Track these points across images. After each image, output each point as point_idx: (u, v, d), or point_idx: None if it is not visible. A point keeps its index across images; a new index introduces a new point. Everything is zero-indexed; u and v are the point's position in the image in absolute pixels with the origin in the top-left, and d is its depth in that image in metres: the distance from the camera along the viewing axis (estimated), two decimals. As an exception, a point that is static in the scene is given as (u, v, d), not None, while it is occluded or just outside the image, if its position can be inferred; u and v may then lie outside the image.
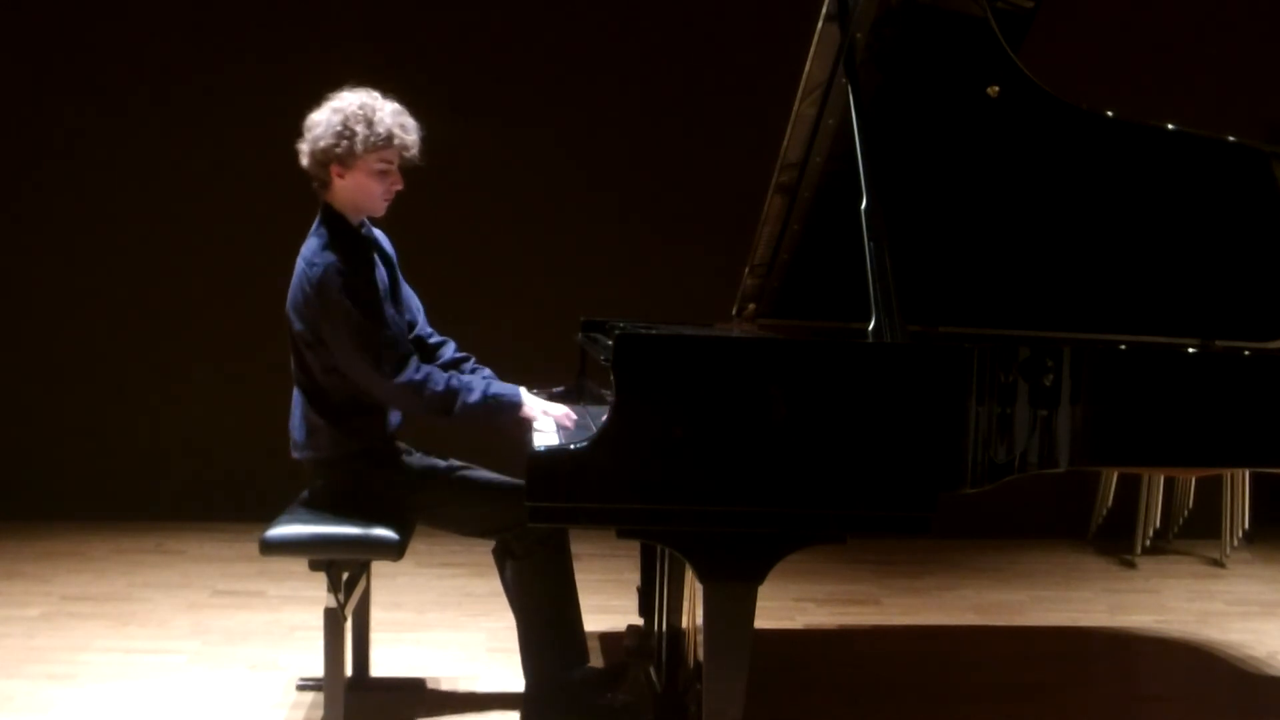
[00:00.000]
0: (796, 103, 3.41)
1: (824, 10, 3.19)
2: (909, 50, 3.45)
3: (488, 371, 3.64)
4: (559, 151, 6.05)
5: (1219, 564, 5.79)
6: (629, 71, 6.18)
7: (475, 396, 3.32)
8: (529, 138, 6.09)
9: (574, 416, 3.43)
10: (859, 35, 3.21)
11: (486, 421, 3.35)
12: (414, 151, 3.40)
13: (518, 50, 6.15)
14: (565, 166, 6.08)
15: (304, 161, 3.39)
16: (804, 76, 3.34)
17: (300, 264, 3.37)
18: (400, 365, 3.29)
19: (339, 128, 3.29)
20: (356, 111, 3.30)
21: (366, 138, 3.29)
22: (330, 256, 3.30)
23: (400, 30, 6.09)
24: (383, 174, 3.36)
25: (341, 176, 3.36)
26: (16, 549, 5.45)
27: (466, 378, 3.40)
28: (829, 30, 3.22)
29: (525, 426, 3.34)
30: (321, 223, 3.41)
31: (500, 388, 3.39)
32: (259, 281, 6.03)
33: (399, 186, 3.42)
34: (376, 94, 3.36)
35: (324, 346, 3.34)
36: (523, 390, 3.42)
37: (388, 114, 3.33)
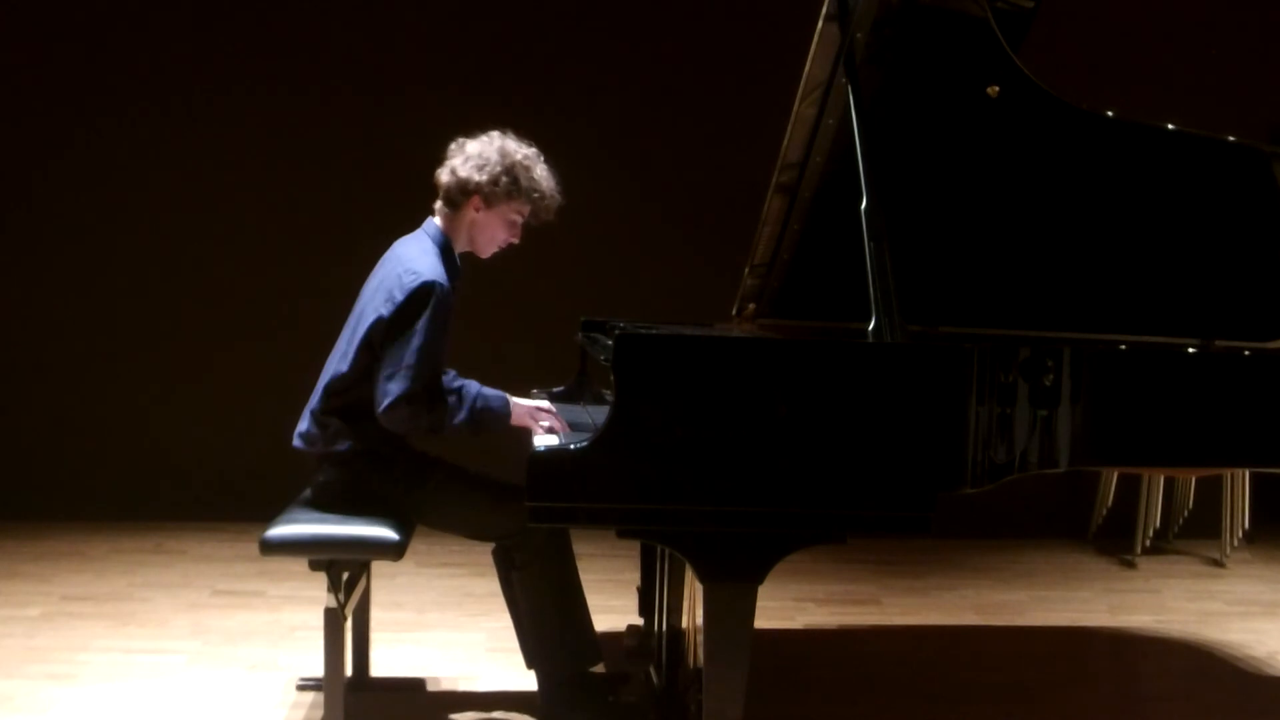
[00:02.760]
0: (796, 103, 3.41)
1: (824, 10, 3.19)
2: (909, 50, 3.45)
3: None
4: (558, 152, 6.01)
5: (1219, 564, 5.79)
6: (629, 72, 6.18)
7: (462, 416, 3.29)
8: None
9: (560, 423, 3.41)
10: (859, 35, 3.22)
11: (474, 434, 3.34)
12: (549, 219, 3.49)
13: (517, 51, 6.15)
14: (564, 167, 6.05)
15: (445, 178, 3.43)
16: (804, 76, 3.34)
17: (399, 267, 3.35)
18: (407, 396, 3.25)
19: (500, 169, 3.38)
20: (521, 161, 3.41)
21: (523, 187, 3.40)
22: (439, 275, 3.31)
23: (400, 30, 6.09)
24: (512, 224, 3.46)
25: (478, 210, 3.42)
26: (16, 549, 5.45)
27: (453, 395, 3.34)
28: (829, 30, 3.22)
29: (525, 433, 3.34)
30: (431, 239, 3.44)
31: (487, 399, 3.36)
32: (259, 282, 6.08)
33: (515, 241, 3.50)
34: (535, 148, 3.47)
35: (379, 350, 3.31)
36: (509, 397, 3.40)
37: (545, 173, 3.45)
